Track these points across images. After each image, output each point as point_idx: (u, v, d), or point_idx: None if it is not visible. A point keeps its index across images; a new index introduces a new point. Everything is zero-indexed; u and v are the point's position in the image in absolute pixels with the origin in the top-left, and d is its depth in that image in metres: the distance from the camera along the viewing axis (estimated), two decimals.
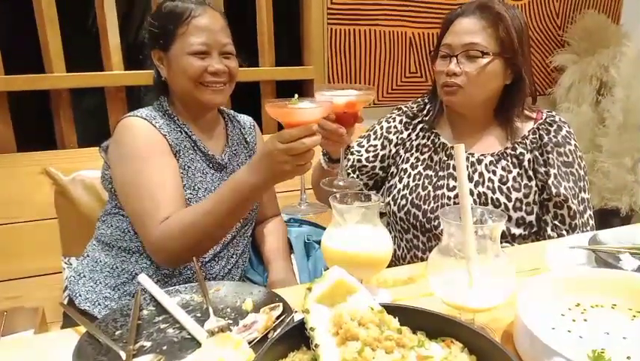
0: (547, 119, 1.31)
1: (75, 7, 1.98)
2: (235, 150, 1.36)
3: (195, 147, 1.26)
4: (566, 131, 1.30)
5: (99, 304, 1.21)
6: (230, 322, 0.82)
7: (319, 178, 1.23)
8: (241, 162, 1.36)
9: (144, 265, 1.21)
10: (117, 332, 0.79)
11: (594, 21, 2.71)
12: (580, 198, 1.25)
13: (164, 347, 0.77)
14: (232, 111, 1.46)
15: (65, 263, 1.44)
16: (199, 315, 0.85)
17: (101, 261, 1.25)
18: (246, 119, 1.46)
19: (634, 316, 0.78)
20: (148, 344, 0.77)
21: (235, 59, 1.26)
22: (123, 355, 0.71)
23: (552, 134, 1.28)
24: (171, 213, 1.09)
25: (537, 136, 1.28)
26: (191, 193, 1.20)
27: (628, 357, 0.67)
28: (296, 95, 0.94)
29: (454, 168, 1.28)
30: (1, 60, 1.78)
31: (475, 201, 1.24)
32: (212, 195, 1.09)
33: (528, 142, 1.28)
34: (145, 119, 1.20)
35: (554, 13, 2.71)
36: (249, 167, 1.02)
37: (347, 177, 1.21)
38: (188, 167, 1.22)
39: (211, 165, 1.28)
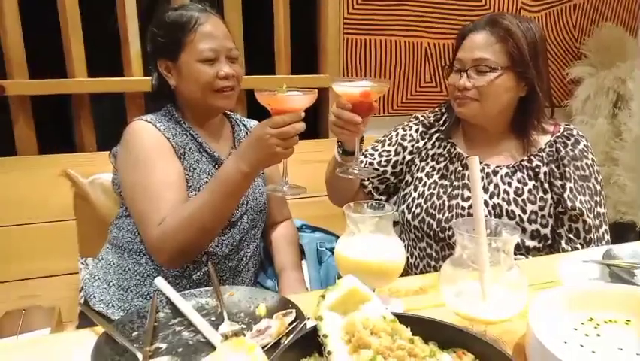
0: (565, 133, 1.31)
1: (98, 13, 2.02)
2: None
3: (201, 149, 1.28)
4: (584, 145, 1.30)
5: (113, 305, 1.24)
6: (244, 326, 0.84)
7: (331, 172, 1.26)
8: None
9: (155, 266, 1.23)
10: (134, 334, 0.81)
11: (611, 34, 2.69)
12: (595, 213, 1.25)
13: (180, 350, 0.78)
14: (239, 115, 1.49)
15: (82, 264, 1.47)
16: (213, 319, 0.86)
17: (114, 263, 1.28)
18: (253, 124, 1.48)
19: None
20: (164, 346, 0.79)
21: (240, 63, 1.29)
22: (140, 356, 0.73)
23: (569, 147, 1.28)
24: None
25: (554, 149, 1.28)
26: (196, 194, 1.21)
27: None
28: (284, 85, 1.01)
29: (469, 179, 1.28)
30: (26, 64, 1.83)
31: (489, 212, 1.24)
32: (203, 189, 1.13)
33: (545, 155, 1.28)
34: (149, 122, 1.22)
35: (571, 26, 2.70)
36: (237, 154, 1.07)
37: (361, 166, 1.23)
38: (194, 168, 1.24)
39: (217, 167, 1.29)
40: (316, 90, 1.02)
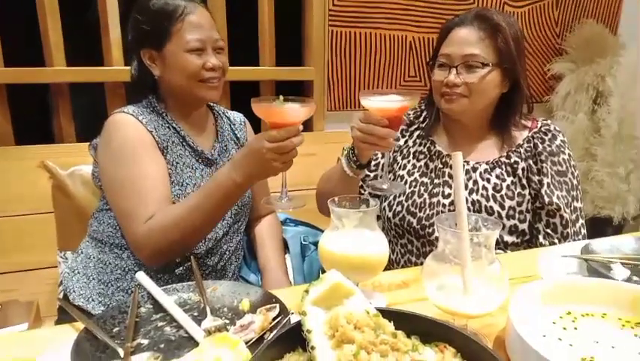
0: (542, 128, 1.32)
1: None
2: (225, 145, 1.37)
3: (184, 143, 1.26)
4: (561, 140, 1.31)
5: (93, 300, 1.22)
6: (227, 322, 0.83)
7: (335, 186, 1.22)
8: (231, 157, 1.37)
9: (136, 261, 1.21)
10: (115, 329, 0.80)
11: (592, 31, 2.74)
12: (572, 207, 1.27)
13: (162, 345, 0.78)
14: (222, 107, 1.47)
15: (61, 258, 1.44)
16: (196, 314, 0.86)
17: (94, 257, 1.26)
18: (236, 116, 1.47)
19: (623, 325, 0.79)
20: (145, 341, 0.78)
21: (226, 54, 1.27)
22: (121, 352, 0.72)
23: (547, 143, 1.30)
24: (156, 211, 1.10)
25: (532, 145, 1.30)
26: (179, 189, 1.21)
27: None
28: (281, 97, 0.98)
29: (450, 176, 1.30)
30: (1, 52, 1.78)
31: (469, 208, 1.26)
32: (196, 191, 1.11)
33: (522, 151, 1.30)
34: (131, 114, 1.20)
35: (553, 22, 2.73)
36: (233, 164, 1.05)
37: (390, 181, 1.23)
38: (177, 162, 1.23)
39: (200, 161, 1.28)
40: (313, 101, 0.99)
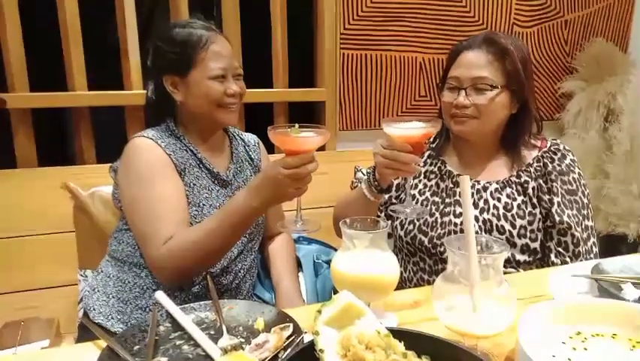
0: (552, 148, 1.34)
1: (98, 25, 2.05)
2: (240, 166, 1.41)
3: (201, 165, 1.30)
4: (570, 159, 1.33)
5: (112, 317, 1.25)
6: (243, 340, 0.86)
7: (356, 211, 1.20)
8: (246, 178, 1.41)
9: (154, 280, 1.25)
10: (135, 347, 0.83)
11: (602, 49, 2.75)
12: (583, 226, 1.28)
13: None
14: (237, 130, 1.51)
15: (81, 276, 1.48)
16: (212, 333, 0.88)
17: (113, 276, 1.30)
18: (250, 137, 1.51)
19: (633, 346, 0.80)
20: (164, 359, 0.81)
21: (243, 81, 1.33)
22: None
23: (556, 162, 1.31)
24: (174, 233, 1.14)
25: (541, 164, 1.32)
26: (196, 210, 1.25)
27: None
28: (296, 125, 1.01)
29: (460, 196, 1.31)
30: (27, 77, 1.85)
31: (480, 227, 1.27)
32: (213, 215, 1.15)
33: (532, 170, 1.31)
34: (151, 139, 1.25)
35: (563, 40, 2.75)
36: (249, 189, 1.09)
37: (413, 205, 1.25)
38: (194, 184, 1.27)
39: (216, 182, 1.32)
40: (328, 130, 1.03)
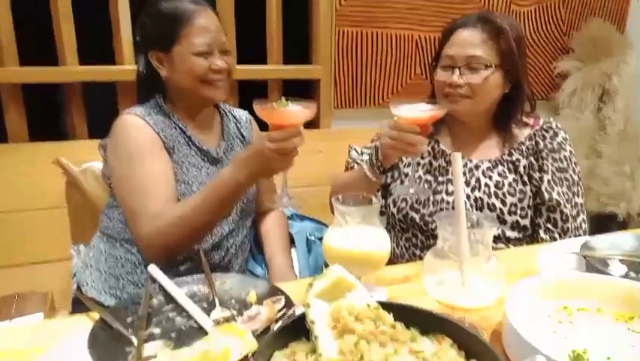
0: (544, 126, 1.34)
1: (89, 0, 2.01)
2: (231, 143, 1.40)
3: (190, 142, 1.29)
4: (562, 137, 1.33)
5: (105, 292, 1.27)
6: (235, 313, 0.87)
7: (355, 191, 1.24)
8: (237, 155, 1.40)
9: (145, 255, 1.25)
10: (128, 319, 0.84)
11: (599, 29, 2.73)
12: (573, 203, 1.29)
13: (173, 334, 0.81)
14: (228, 106, 1.49)
15: (74, 250, 1.49)
16: (205, 305, 0.89)
17: (105, 252, 1.30)
18: (242, 114, 1.49)
19: (617, 319, 0.82)
20: (157, 331, 0.82)
21: (232, 56, 1.30)
22: (135, 340, 0.76)
23: (548, 140, 1.32)
24: (161, 210, 1.14)
25: (533, 142, 1.32)
26: (185, 188, 1.24)
27: (608, 358, 0.71)
28: (282, 98, 1.01)
29: (452, 172, 1.32)
30: (16, 52, 1.82)
31: (471, 205, 1.28)
32: (201, 190, 1.15)
33: (524, 148, 1.32)
34: (139, 116, 1.23)
35: (560, 20, 2.73)
36: (235, 164, 1.09)
37: (417, 186, 1.28)
38: (183, 162, 1.26)
39: (206, 159, 1.31)
40: (315, 103, 1.02)
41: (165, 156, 1.23)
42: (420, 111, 1.09)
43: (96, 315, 0.82)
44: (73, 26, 1.89)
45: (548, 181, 1.27)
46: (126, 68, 1.97)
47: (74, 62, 1.91)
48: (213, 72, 1.24)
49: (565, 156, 1.31)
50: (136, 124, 1.23)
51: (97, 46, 2.06)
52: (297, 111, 1.00)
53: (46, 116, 2.16)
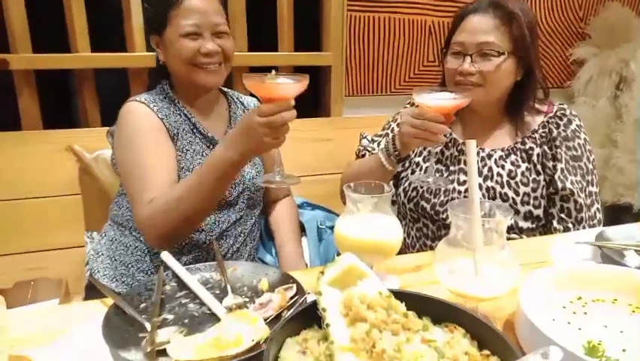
0: (558, 113, 1.32)
1: None
2: None
3: (194, 130, 1.29)
4: (576, 125, 1.31)
5: (117, 280, 1.28)
6: (247, 300, 0.87)
7: (369, 177, 1.21)
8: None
9: None
10: (142, 305, 0.85)
11: (617, 14, 2.66)
12: (587, 192, 1.27)
13: (186, 321, 0.82)
14: (236, 92, 1.48)
15: (88, 238, 1.51)
16: (217, 292, 0.90)
17: (116, 240, 1.31)
18: (249, 100, 1.48)
19: (633, 311, 0.81)
20: (170, 317, 0.83)
21: (230, 39, 1.26)
22: (148, 326, 0.77)
23: (561, 128, 1.29)
24: (158, 195, 1.13)
25: (547, 130, 1.30)
26: (189, 175, 1.23)
27: (623, 350, 0.70)
28: (273, 71, 0.98)
29: (465, 163, 1.31)
30: (29, 39, 1.83)
31: (483, 195, 1.27)
32: (195, 172, 1.13)
33: (537, 136, 1.29)
34: (144, 103, 1.23)
35: (577, 5, 2.67)
36: (226, 142, 1.06)
37: (435, 175, 1.28)
38: (187, 149, 1.26)
39: (211, 147, 1.30)
40: (307, 76, 0.99)
41: (168, 142, 1.23)
42: (445, 100, 1.08)
43: (110, 301, 0.83)
44: (85, 11, 1.89)
45: (562, 170, 1.25)
46: (137, 54, 1.97)
47: (86, 49, 1.92)
48: (203, 55, 1.21)
49: (579, 144, 1.29)
50: (140, 111, 1.23)
51: (109, 33, 2.06)
52: (286, 84, 0.97)
53: (59, 103, 2.17)
